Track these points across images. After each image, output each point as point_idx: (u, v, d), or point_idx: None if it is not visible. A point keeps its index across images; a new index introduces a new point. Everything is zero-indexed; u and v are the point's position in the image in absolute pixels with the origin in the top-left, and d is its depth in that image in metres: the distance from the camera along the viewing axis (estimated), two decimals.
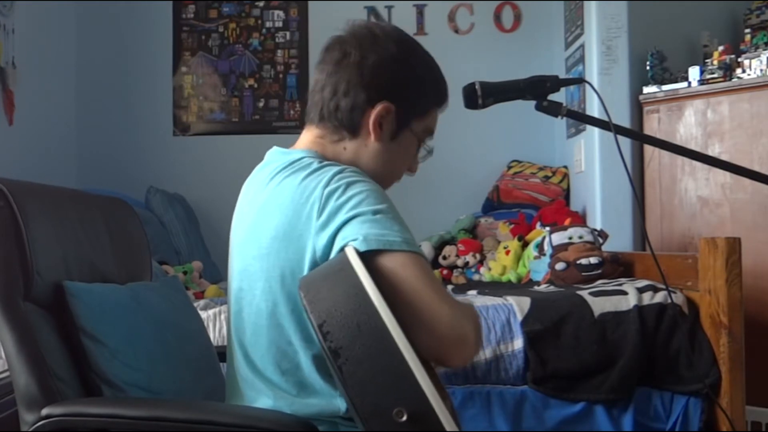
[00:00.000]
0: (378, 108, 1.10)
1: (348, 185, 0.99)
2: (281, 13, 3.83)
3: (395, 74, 1.11)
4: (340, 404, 1.01)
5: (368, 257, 0.91)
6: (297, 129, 3.75)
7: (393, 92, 1.11)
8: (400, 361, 0.80)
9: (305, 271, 0.99)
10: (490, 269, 3.00)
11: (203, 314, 2.03)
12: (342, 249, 0.94)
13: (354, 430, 1.01)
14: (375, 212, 0.96)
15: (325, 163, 1.06)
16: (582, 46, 3.18)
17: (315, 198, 0.99)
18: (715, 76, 2.78)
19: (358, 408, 0.81)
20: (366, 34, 1.12)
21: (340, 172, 1.02)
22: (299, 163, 1.06)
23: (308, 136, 1.16)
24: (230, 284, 1.13)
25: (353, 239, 0.93)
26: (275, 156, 1.14)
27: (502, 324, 1.99)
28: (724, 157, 2.23)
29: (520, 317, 1.99)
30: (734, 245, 1.92)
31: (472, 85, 1.16)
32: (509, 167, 3.58)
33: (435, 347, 0.91)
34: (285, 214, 1.01)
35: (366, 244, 0.92)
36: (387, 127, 1.12)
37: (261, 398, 1.04)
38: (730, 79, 2.76)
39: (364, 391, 0.81)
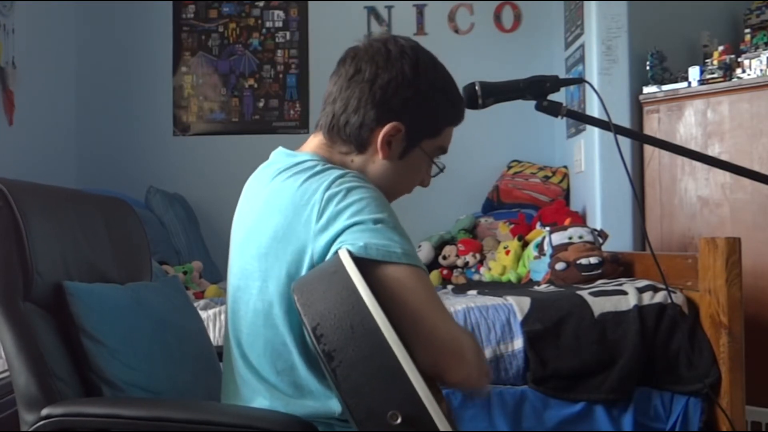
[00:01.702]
0: (387, 127, 1.09)
1: (349, 190, 0.99)
2: (281, 13, 3.83)
3: (406, 95, 1.10)
4: (335, 406, 1.00)
5: (369, 267, 0.91)
6: (297, 129, 3.76)
7: (403, 112, 1.10)
8: (394, 364, 0.79)
9: (302, 274, 0.98)
10: (490, 269, 3.00)
11: (203, 314, 2.03)
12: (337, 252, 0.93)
13: (349, 431, 1.01)
14: (376, 221, 0.96)
15: (328, 166, 1.06)
16: (582, 46, 3.18)
17: (315, 201, 0.99)
18: (715, 76, 2.78)
19: (353, 411, 0.81)
20: (381, 50, 1.11)
21: (342, 176, 1.02)
22: (302, 165, 1.06)
23: (316, 141, 1.15)
24: (229, 282, 1.13)
25: (352, 245, 0.93)
26: (279, 157, 1.13)
27: (502, 324, 1.99)
28: (724, 157, 2.24)
29: (520, 317, 1.99)
30: (734, 245, 1.92)
31: (472, 85, 1.16)
32: (509, 167, 3.58)
33: (434, 360, 0.91)
34: (285, 215, 1.01)
35: (367, 252, 0.92)
36: (396, 146, 1.12)
37: (257, 398, 1.04)
38: (730, 79, 2.76)
39: (358, 393, 0.81)
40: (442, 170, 1.20)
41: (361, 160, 1.12)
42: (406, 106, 1.10)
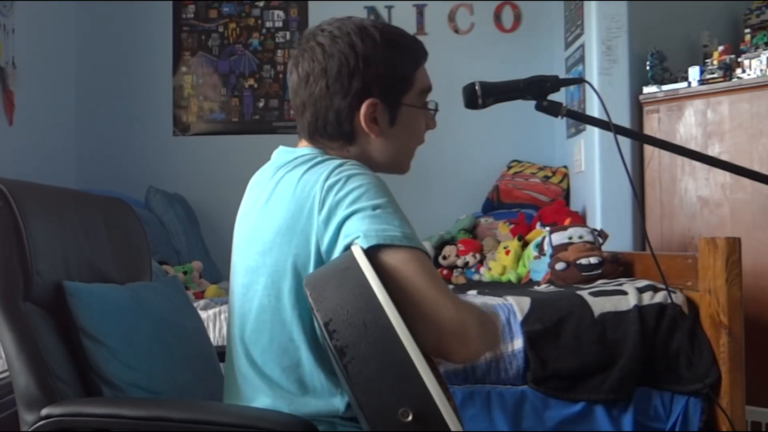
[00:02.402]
0: (363, 108, 1.09)
1: (348, 178, 1.00)
2: (281, 13, 3.83)
3: (362, 72, 1.09)
4: (338, 404, 1.01)
5: (369, 253, 0.91)
6: (297, 129, 3.76)
7: (369, 88, 1.09)
8: (407, 361, 0.80)
9: (311, 265, 0.99)
10: (490, 269, 3.00)
11: (203, 314, 2.03)
12: (347, 247, 0.94)
13: (352, 430, 1.01)
14: (375, 207, 0.97)
15: (327, 157, 1.07)
16: (582, 46, 3.18)
17: (315, 192, 0.99)
18: (715, 76, 2.78)
19: (364, 407, 0.81)
20: (314, 47, 1.11)
21: (340, 165, 1.02)
22: (302, 159, 1.07)
23: (305, 143, 1.16)
24: (233, 281, 1.13)
25: (356, 236, 0.93)
26: (280, 154, 1.14)
27: (502, 324, 1.99)
28: (724, 157, 2.23)
29: (520, 317, 1.99)
30: (734, 245, 1.92)
31: (472, 85, 1.16)
32: (509, 167, 3.58)
33: (437, 341, 0.91)
34: (287, 209, 1.01)
35: (366, 240, 0.92)
36: (381, 118, 1.12)
37: (260, 397, 1.04)
38: (730, 79, 2.76)
39: (369, 390, 0.81)
40: (437, 109, 1.18)
41: (356, 148, 1.13)
42: (368, 81, 1.09)
